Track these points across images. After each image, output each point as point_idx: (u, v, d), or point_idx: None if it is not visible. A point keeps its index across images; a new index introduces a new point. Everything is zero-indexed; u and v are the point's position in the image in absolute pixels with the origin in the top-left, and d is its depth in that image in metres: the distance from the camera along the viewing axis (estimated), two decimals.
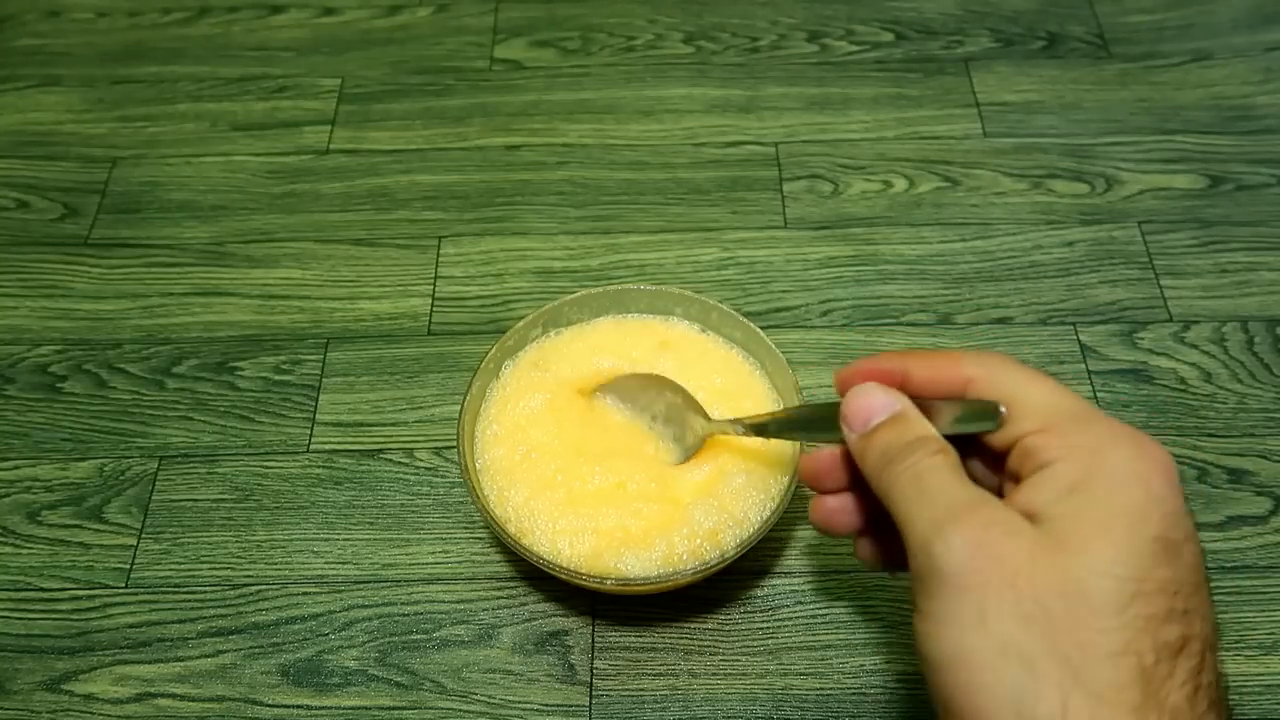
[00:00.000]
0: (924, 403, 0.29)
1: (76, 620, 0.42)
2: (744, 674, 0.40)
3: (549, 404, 0.42)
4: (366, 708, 0.40)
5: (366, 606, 0.42)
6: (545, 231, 0.54)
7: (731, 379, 0.43)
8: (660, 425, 0.41)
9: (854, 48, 0.63)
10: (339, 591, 0.42)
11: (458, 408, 0.42)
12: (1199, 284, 0.51)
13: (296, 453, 0.46)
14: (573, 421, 0.42)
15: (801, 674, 0.40)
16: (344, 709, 0.40)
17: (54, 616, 0.42)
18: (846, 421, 0.29)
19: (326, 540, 0.44)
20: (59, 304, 0.52)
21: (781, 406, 0.42)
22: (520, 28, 0.65)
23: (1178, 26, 0.63)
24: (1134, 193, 0.55)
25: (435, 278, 0.53)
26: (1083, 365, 0.48)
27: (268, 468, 0.46)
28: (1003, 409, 0.27)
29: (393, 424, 0.47)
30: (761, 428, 0.37)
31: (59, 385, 0.49)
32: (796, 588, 0.42)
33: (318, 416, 0.48)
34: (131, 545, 0.44)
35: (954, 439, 0.27)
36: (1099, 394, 0.47)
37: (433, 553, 0.43)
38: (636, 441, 0.41)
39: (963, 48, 0.63)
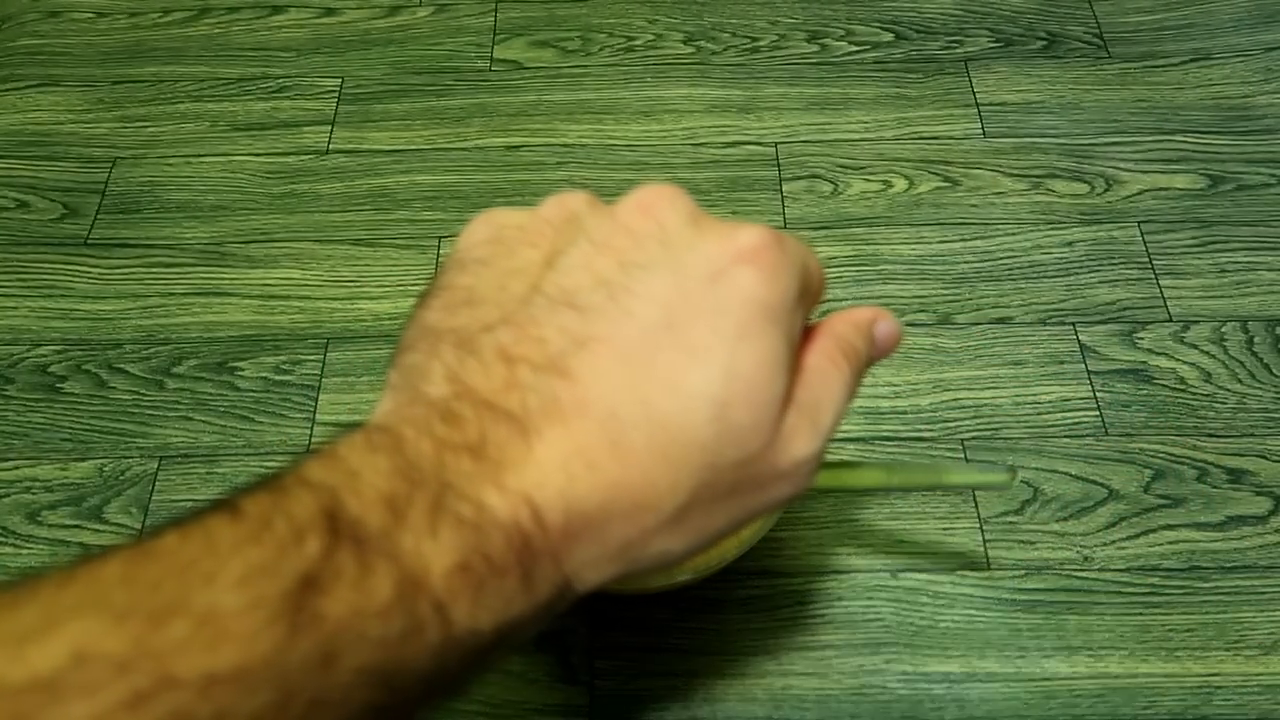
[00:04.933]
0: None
1: None
2: (744, 674, 0.40)
3: None
4: None
5: None
6: None
7: None
8: None
9: (854, 48, 0.63)
10: None
11: None
12: (1199, 284, 0.51)
13: (297, 453, 0.46)
14: None
15: (801, 674, 0.40)
16: None
17: None
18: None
19: None
20: (59, 304, 0.52)
21: None
22: (520, 28, 0.65)
23: (1178, 26, 0.63)
24: (1134, 193, 0.55)
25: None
26: (1082, 365, 0.48)
27: (268, 468, 0.46)
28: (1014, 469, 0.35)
29: None
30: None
31: (59, 385, 0.49)
32: (796, 588, 0.42)
33: (318, 417, 0.48)
34: None
35: None
36: (1099, 394, 0.47)
37: None
38: None
39: (963, 48, 0.63)
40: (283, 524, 0.19)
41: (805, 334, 0.27)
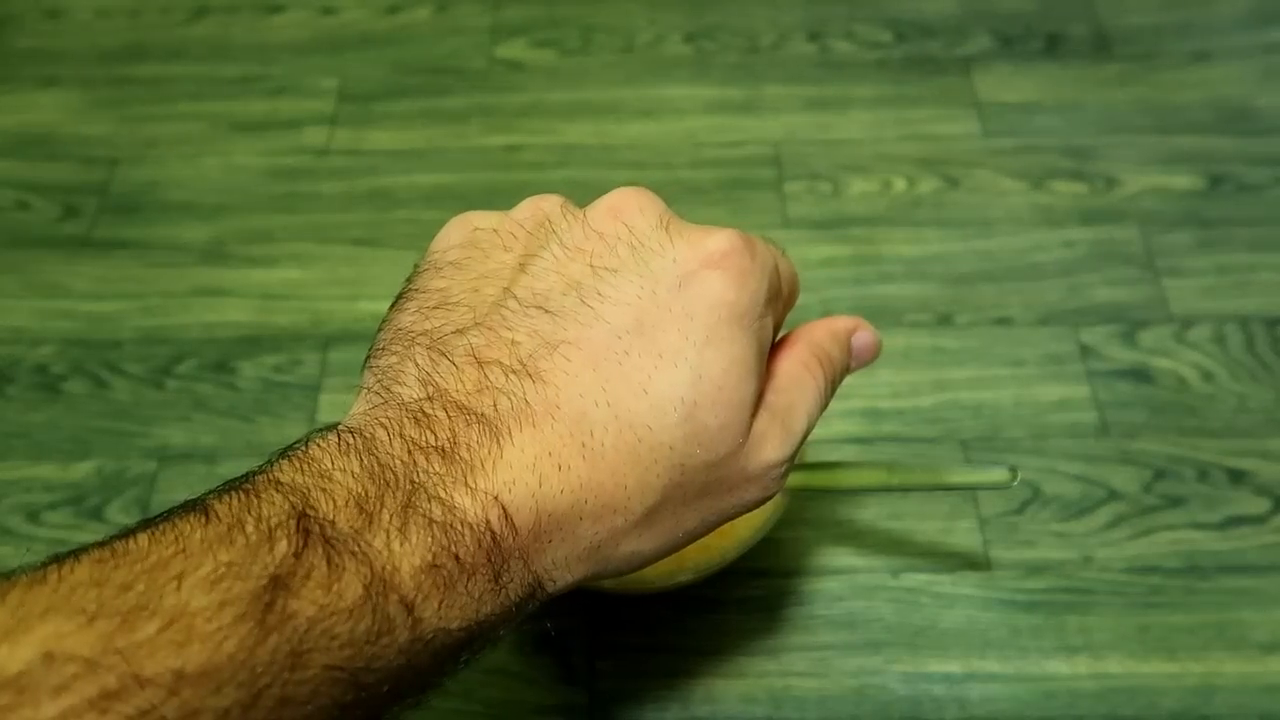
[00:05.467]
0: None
1: None
2: (744, 674, 0.40)
3: None
4: None
5: None
6: None
7: None
8: None
9: (854, 48, 0.63)
10: None
11: None
12: (1199, 284, 0.51)
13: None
14: None
15: (801, 674, 0.40)
16: None
17: None
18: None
19: None
20: (59, 304, 0.52)
21: None
22: (520, 28, 0.65)
23: (1178, 26, 0.63)
24: (1134, 193, 0.55)
25: None
26: (1082, 365, 0.48)
27: None
28: (1015, 469, 0.34)
29: None
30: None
31: (59, 385, 0.49)
32: (796, 588, 0.42)
33: (317, 417, 0.48)
34: None
35: None
36: (1099, 394, 0.47)
37: None
38: None
39: (963, 48, 0.63)
40: (253, 525, 0.19)
41: (782, 340, 0.27)
